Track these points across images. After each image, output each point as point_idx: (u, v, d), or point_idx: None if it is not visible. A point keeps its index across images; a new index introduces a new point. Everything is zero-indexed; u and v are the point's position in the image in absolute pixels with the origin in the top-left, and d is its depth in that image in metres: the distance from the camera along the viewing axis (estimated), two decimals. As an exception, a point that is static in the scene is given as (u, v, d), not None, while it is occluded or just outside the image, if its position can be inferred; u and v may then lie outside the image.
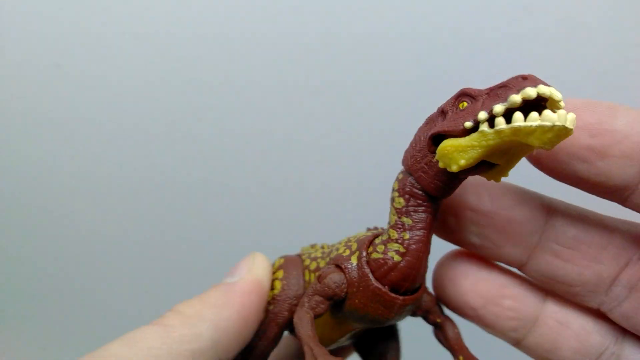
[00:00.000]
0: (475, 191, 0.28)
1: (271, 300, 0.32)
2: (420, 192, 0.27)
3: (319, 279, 0.29)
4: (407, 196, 0.27)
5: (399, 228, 0.27)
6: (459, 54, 0.54)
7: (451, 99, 0.25)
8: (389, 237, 0.28)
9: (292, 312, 0.31)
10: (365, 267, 0.28)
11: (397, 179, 0.28)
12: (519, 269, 0.29)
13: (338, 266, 0.29)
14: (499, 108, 0.22)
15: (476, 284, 0.29)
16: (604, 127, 0.23)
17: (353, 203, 0.59)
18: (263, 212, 0.61)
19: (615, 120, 0.23)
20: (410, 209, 0.27)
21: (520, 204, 0.28)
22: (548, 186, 0.28)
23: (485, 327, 0.30)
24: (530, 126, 0.21)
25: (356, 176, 0.59)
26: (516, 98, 0.21)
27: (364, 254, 0.28)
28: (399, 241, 0.27)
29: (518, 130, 0.21)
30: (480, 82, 0.52)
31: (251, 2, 0.55)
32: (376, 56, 0.55)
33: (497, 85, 0.23)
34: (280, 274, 0.32)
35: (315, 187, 0.60)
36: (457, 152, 0.23)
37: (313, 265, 0.32)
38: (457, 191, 0.27)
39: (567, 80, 0.51)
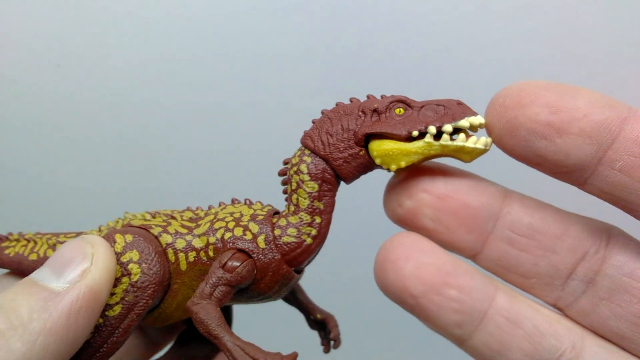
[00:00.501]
0: (430, 174, 0.28)
1: (127, 289, 0.27)
2: (333, 179, 0.29)
3: (225, 267, 0.28)
4: (320, 181, 0.29)
5: (312, 212, 0.29)
6: (459, 53, 0.54)
7: (384, 100, 0.28)
8: (302, 221, 0.29)
9: (153, 299, 0.28)
10: (276, 252, 0.28)
11: (305, 162, 0.29)
12: (473, 260, 0.28)
13: (243, 251, 0.28)
14: (448, 127, 0.26)
15: (419, 269, 0.26)
16: (564, 104, 0.24)
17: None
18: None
19: (576, 100, 0.24)
20: (322, 193, 0.29)
21: (475, 189, 0.27)
22: (506, 177, 0.29)
23: (426, 320, 0.27)
24: (472, 147, 0.25)
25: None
26: (464, 123, 0.26)
27: (271, 236, 0.29)
28: (313, 225, 0.29)
29: (461, 148, 0.26)
30: (480, 82, 0.52)
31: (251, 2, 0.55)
32: (376, 56, 0.55)
33: (432, 102, 0.27)
34: (134, 255, 0.28)
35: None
36: (401, 155, 0.27)
37: (181, 244, 0.29)
38: (412, 173, 0.28)
39: (567, 80, 0.51)
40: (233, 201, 0.32)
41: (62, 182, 0.64)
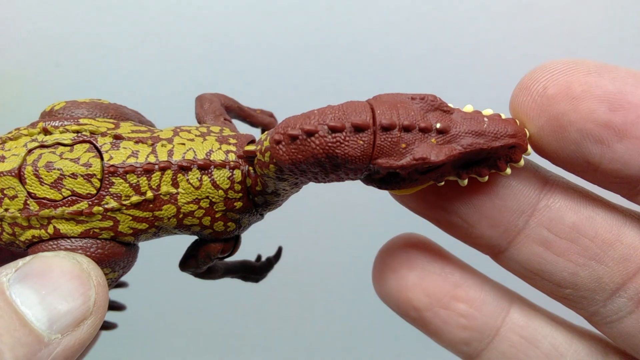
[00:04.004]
0: None
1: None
2: None
3: (219, 256, 0.27)
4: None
5: (293, 190, 0.27)
6: (459, 53, 0.54)
7: (409, 165, 0.20)
8: (284, 196, 0.27)
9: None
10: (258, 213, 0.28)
11: (288, 181, 0.24)
12: (494, 257, 0.23)
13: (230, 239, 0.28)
14: (485, 179, 0.21)
15: (423, 279, 0.23)
16: (627, 99, 0.18)
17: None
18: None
19: None
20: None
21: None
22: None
23: (431, 335, 0.24)
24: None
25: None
26: (508, 172, 0.21)
27: (255, 215, 0.27)
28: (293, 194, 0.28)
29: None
30: (480, 82, 0.52)
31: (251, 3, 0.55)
32: (375, 56, 0.55)
33: (470, 149, 0.20)
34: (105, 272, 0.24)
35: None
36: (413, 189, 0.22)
37: (146, 239, 0.26)
38: None
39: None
40: (182, 167, 0.25)
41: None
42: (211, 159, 0.25)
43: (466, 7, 0.54)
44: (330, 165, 0.21)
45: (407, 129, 0.20)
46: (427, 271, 0.24)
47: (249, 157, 0.24)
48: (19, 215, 0.24)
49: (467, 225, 0.22)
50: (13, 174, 0.24)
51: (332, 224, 0.61)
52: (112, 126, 0.26)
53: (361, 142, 0.20)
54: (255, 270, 0.33)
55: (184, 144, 0.25)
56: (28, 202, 0.24)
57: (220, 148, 0.25)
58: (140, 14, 0.56)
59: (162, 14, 0.56)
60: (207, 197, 0.25)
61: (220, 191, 0.25)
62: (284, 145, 0.21)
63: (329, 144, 0.20)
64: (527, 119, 0.20)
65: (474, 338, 0.23)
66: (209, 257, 0.27)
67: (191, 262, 0.28)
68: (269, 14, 0.55)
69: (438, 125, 0.20)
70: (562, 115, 0.19)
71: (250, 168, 0.25)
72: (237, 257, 0.30)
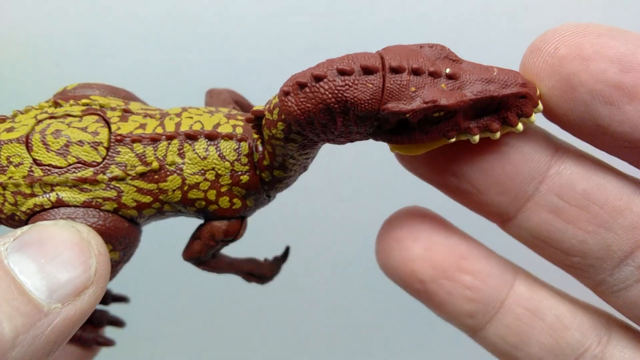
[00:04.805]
0: None
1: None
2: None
3: (223, 240, 0.26)
4: (312, 151, 0.25)
5: (301, 166, 0.27)
6: (459, 53, 0.54)
7: (419, 109, 0.20)
8: (291, 174, 0.26)
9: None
10: (265, 199, 0.27)
11: (295, 141, 0.23)
12: (502, 225, 0.23)
13: (240, 218, 0.27)
14: (497, 135, 0.21)
15: (429, 250, 0.23)
16: (639, 60, 0.18)
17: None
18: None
19: None
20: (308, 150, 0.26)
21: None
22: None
23: (434, 307, 0.24)
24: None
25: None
26: (519, 127, 0.20)
27: (261, 194, 0.27)
28: (300, 174, 0.27)
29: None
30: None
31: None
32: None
33: (483, 95, 0.20)
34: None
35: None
36: (423, 149, 0.22)
37: (149, 213, 0.25)
38: None
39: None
40: (189, 135, 0.25)
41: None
42: (218, 130, 0.25)
43: (466, 7, 0.54)
44: (339, 113, 0.21)
45: (416, 72, 0.20)
46: (432, 242, 0.23)
47: (257, 118, 0.24)
48: (22, 182, 0.24)
49: (476, 192, 0.22)
50: (20, 141, 0.24)
51: (331, 223, 0.61)
52: (122, 104, 0.27)
53: (370, 85, 0.20)
54: (261, 269, 0.31)
55: (191, 117, 0.26)
56: (33, 168, 0.24)
57: (227, 122, 0.26)
58: (141, 14, 0.56)
59: (163, 14, 0.56)
60: (213, 169, 0.25)
61: (226, 163, 0.25)
62: (292, 95, 0.21)
63: (338, 87, 0.20)
64: (538, 79, 0.20)
65: (479, 310, 0.23)
66: (212, 238, 0.26)
67: (194, 246, 0.27)
68: (269, 14, 0.55)
69: (447, 71, 0.20)
70: (573, 76, 0.19)
71: (259, 142, 0.25)
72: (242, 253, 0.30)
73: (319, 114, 0.21)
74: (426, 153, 0.22)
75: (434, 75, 0.20)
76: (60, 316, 0.19)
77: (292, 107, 0.21)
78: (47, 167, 0.24)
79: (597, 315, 0.24)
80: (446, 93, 0.19)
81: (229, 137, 0.25)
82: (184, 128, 0.25)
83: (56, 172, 0.24)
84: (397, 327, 0.63)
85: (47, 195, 0.24)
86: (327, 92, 0.20)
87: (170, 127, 0.25)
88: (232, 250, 0.30)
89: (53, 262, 0.20)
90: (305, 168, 0.27)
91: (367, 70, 0.20)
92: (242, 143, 0.25)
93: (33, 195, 0.24)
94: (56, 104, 0.26)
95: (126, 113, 0.26)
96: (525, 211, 0.22)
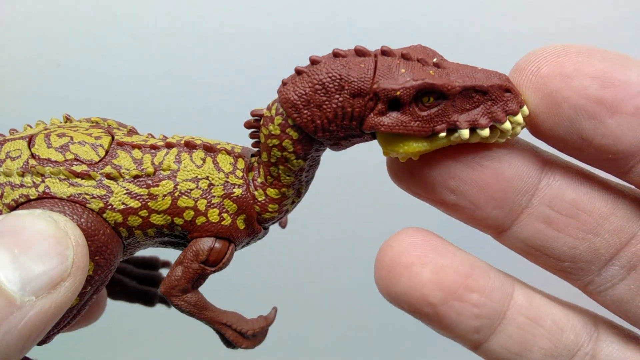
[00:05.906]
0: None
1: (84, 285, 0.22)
2: (321, 153, 0.26)
3: (207, 263, 0.25)
4: (308, 160, 0.25)
5: (298, 186, 0.26)
6: (459, 53, 0.54)
7: (408, 84, 0.21)
8: (285, 196, 0.26)
9: (109, 275, 0.25)
10: (257, 227, 0.26)
11: (291, 139, 0.24)
12: (496, 236, 0.24)
13: (227, 240, 0.26)
14: (485, 132, 0.21)
15: (438, 274, 0.23)
16: (617, 77, 0.19)
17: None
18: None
19: (629, 71, 0.19)
20: (309, 168, 0.26)
21: (511, 155, 0.22)
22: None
23: (444, 329, 0.24)
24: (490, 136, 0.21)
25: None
26: (506, 126, 0.21)
27: (253, 215, 0.26)
28: (299, 197, 0.27)
29: (490, 137, 0.22)
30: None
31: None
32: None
33: (471, 86, 0.21)
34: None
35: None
36: (415, 152, 0.22)
37: (135, 222, 0.25)
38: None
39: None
40: (188, 144, 0.26)
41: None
42: (218, 147, 0.26)
43: (466, 7, 0.54)
44: (334, 92, 0.22)
45: (405, 57, 0.22)
46: (439, 265, 0.23)
47: (255, 120, 0.25)
48: (15, 172, 0.24)
49: (474, 207, 0.23)
50: (24, 138, 0.25)
51: (331, 231, 0.61)
52: (129, 129, 0.28)
53: (363, 65, 0.22)
54: (242, 324, 0.29)
55: (193, 137, 0.27)
56: (29, 160, 0.24)
57: (227, 144, 0.27)
58: (141, 14, 0.56)
59: (163, 14, 0.56)
60: (207, 178, 0.25)
61: (221, 174, 0.25)
62: (290, 84, 0.23)
63: (333, 67, 0.22)
64: (523, 97, 0.21)
65: (484, 325, 0.24)
66: (196, 259, 0.25)
67: (176, 272, 0.25)
68: (269, 15, 0.55)
69: (435, 60, 0.22)
70: (556, 92, 0.20)
71: (255, 161, 0.26)
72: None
73: (315, 95, 0.22)
74: (423, 174, 0.23)
75: (422, 62, 0.22)
76: (34, 310, 0.18)
77: (290, 93, 0.23)
78: (44, 160, 0.24)
79: (585, 315, 0.25)
80: (435, 76, 0.21)
81: (227, 152, 0.26)
82: (184, 140, 0.27)
83: (51, 165, 0.24)
84: (397, 327, 0.63)
85: (36, 187, 0.23)
86: (322, 72, 0.22)
87: (171, 140, 0.27)
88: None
89: (28, 253, 0.18)
90: (299, 193, 0.27)
91: (360, 53, 0.22)
92: (239, 159, 0.26)
93: (22, 186, 0.23)
94: (67, 120, 0.28)
95: (131, 132, 0.27)
96: (519, 222, 0.23)
